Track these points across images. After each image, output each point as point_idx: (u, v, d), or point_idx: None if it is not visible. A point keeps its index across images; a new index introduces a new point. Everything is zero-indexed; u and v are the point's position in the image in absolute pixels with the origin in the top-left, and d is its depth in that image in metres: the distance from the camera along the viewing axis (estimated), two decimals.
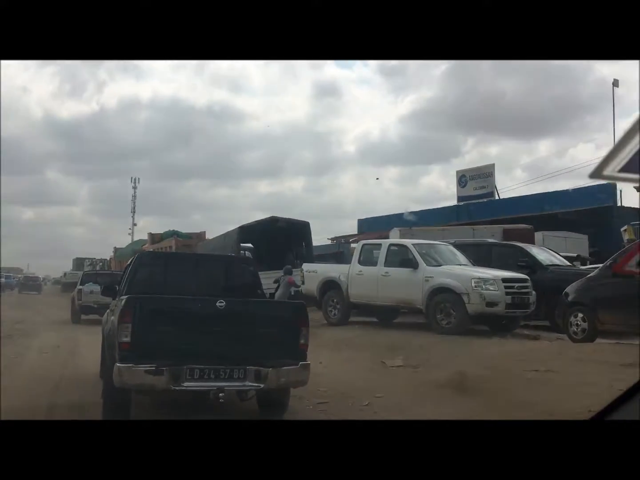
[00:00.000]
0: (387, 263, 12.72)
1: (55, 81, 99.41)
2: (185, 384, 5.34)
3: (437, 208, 36.28)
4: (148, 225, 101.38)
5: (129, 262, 7.77)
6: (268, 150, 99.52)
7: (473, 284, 11.00)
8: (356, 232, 37.36)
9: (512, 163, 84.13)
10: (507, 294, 11.01)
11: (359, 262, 13.41)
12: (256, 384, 5.55)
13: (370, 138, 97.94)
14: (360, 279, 13.15)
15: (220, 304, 5.57)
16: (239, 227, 17.77)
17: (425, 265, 11.96)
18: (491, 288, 10.97)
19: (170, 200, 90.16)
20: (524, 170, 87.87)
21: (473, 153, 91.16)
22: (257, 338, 5.76)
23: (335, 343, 12.01)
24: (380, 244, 13.34)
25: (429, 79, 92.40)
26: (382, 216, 36.70)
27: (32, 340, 14.65)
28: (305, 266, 15.17)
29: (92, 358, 9.83)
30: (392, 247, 12.99)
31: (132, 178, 63.58)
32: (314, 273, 14.54)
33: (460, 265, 12.28)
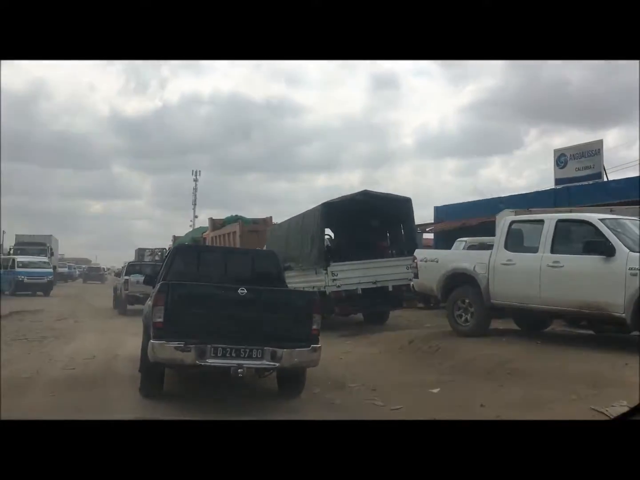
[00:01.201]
0: (557, 248, 8.62)
1: (120, 79, 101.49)
2: (209, 360, 6.12)
3: (530, 193, 31.79)
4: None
5: (166, 254, 9.61)
6: (325, 144, 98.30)
7: None
8: (432, 221, 33.49)
9: None
10: None
11: (506, 246, 9.36)
12: (272, 363, 6.31)
13: (428, 130, 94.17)
14: (510, 270, 9.10)
15: (242, 291, 6.40)
16: (322, 205, 13.99)
17: (627, 250, 7.79)
18: None
19: (230, 193, 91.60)
20: None
21: (535, 145, 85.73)
22: (273, 322, 6.50)
23: (486, 368, 7.99)
24: (541, 220, 9.20)
25: (490, 68, 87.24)
26: (462, 203, 32.62)
27: (65, 345, 11.64)
28: (420, 253, 11.22)
29: (132, 388, 6.92)
30: (564, 224, 8.85)
31: (193, 171, 63.90)
32: (433, 263, 10.60)
33: None
